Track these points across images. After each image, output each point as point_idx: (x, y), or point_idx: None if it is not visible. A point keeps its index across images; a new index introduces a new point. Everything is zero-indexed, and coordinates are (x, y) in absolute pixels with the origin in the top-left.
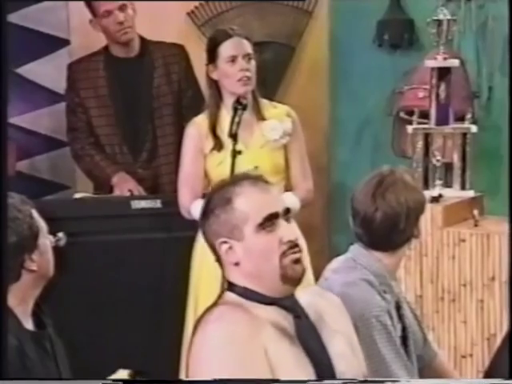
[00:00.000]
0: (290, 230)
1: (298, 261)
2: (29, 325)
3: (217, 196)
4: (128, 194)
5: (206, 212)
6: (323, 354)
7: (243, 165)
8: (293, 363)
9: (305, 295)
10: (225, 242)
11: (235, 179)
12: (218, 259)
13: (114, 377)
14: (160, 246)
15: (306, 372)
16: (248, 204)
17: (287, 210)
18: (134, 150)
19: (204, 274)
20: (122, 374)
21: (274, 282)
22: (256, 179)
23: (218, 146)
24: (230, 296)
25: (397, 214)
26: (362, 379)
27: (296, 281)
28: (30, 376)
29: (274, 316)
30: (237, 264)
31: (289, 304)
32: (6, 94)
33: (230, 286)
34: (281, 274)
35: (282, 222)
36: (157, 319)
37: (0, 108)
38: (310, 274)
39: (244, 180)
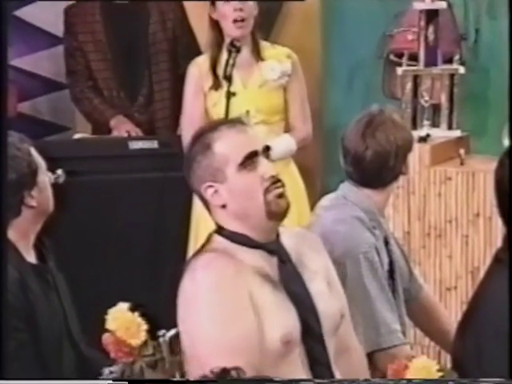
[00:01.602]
0: (270, 167)
1: (281, 195)
2: (31, 258)
3: (197, 144)
4: (126, 135)
5: (189, 161)
6: (305, 294)
7: (240, 105)
8: (275, 306)
9: (287, 238)
10: (210, 186)
11: (212, 125)
12: (206, 205)
13: (114, 309)
14: (157, 186)
15: (289, 313)
16: (227, 146)
17: (267, 148)
18: (130, 95)
19: (205, 212)
20: (123, 306)
21: (260, 220)
22: (233, 122)
23: (217, 84)
24: (217, 240)
25: (386, 152)
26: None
27: (281, 215)
28: (32, 308)
29: (258, 261)
30: (224, 206)
31: (274, 248)
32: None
33: (219, 229)
34: (266, 210)
35: (262, 160)
36: (155, 255)
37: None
38: (307, 213)
39: (221, 125)
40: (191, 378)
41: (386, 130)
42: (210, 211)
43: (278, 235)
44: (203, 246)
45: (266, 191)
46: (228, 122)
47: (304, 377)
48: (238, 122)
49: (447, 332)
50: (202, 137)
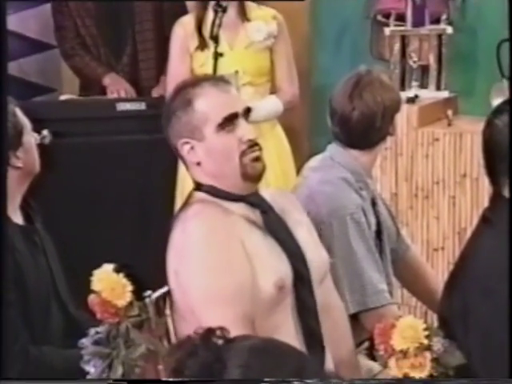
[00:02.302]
0: (249, 130)
1: (257, 159)
2: (17, 219)
3: (178, 98)
4: (123, 95)
5: (168, 114)
6: (293, 242)
7: (227, 66)
8: (267, 252)
9: (267, 195)
10: (186, 143)
11: (196, 80)
12: (183, 160)
13: (99, 270)
14: (144, 147)
15: (281, 259)
16: (208, 105)
17: (247, 110)
18: (115, 54)
19: None
20: (108, 267)
21: (235, 180)
22: (216, 80)
23: (203, 45)
24: (199, 195)
25: (373, 113)
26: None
27: (256, 178)
28: (19, 269)
29: (243, 211)
30: (199, 164)
31: (255, 200)
32: None
33: (198, 186)
34: (241, 172)
35: (241, 122)
36: (142, 217)
37: None
38: (292, 174)
39: (204, 81)
40: (180, 337)
41: (373, 91)
42: (187, 167)
43: (257, 190)
44: (186, 202)
45: (243, 154)
46: (212, 79)
47: (292, 325)
48: (221, 80)
49: (434, 292)
50: (184, 91)
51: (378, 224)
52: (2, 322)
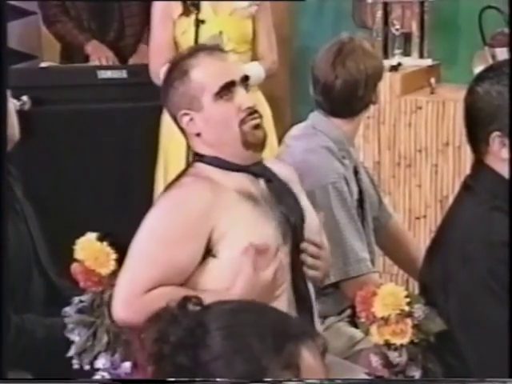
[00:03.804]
0: (248, 97)
1: (257, 126)
2: None
3: (174, 70)
4: (105, 62)
5: (166, 86)
6: (297, 207)
7: (211, 33)
8: (254, 222)
9: (268, 163)
10: (185, 114)
11: (191, 51)
12: (183, 131)
13: (82, 239)
14: (126, 115)
15: (266, 226)
16: (204, 74)
17: (245, 78)
18: (101, 29)
19: (173, 141)
20: (91, 236)
21: (236, 149)
22: (212, 49)
23: (188, 11)
24: (199, 166)
25: (356, 81)
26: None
27: (258, 146)
28: None
29: (241, 183)
30: (198, 135)
31: (258, 170)
32: None
33: (198, 157)
34: (242, 140)
35: (239, 90)
36: (124, 184)
37: None
38: (274, 142)
39: (199, 51)
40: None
41: (356, 59)
42: (187, 139)
43: (261, 160)
44: (185, 171)
45: (242, 122)
46: (207, 48)
47: (289, 293)
48: (217, 49)
49: (415, 260)
50: (180, 63)
51: (360, 193)
52: (1, 322)
